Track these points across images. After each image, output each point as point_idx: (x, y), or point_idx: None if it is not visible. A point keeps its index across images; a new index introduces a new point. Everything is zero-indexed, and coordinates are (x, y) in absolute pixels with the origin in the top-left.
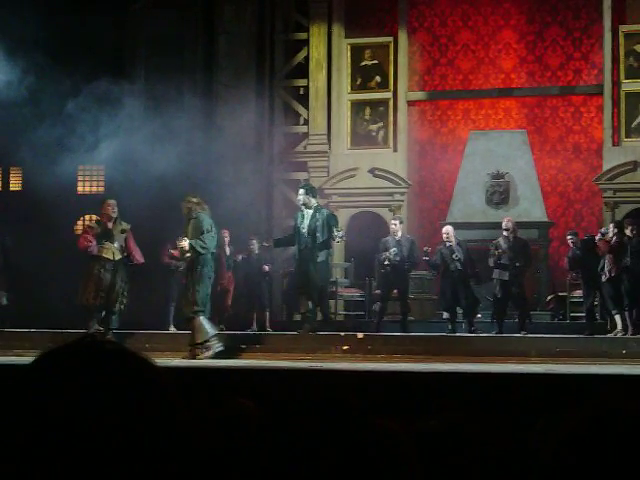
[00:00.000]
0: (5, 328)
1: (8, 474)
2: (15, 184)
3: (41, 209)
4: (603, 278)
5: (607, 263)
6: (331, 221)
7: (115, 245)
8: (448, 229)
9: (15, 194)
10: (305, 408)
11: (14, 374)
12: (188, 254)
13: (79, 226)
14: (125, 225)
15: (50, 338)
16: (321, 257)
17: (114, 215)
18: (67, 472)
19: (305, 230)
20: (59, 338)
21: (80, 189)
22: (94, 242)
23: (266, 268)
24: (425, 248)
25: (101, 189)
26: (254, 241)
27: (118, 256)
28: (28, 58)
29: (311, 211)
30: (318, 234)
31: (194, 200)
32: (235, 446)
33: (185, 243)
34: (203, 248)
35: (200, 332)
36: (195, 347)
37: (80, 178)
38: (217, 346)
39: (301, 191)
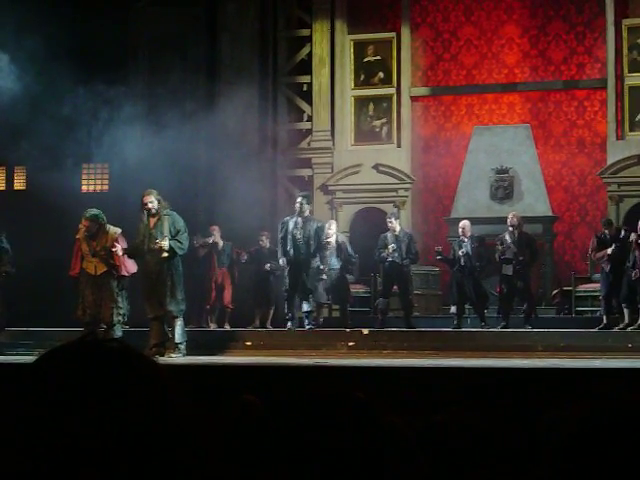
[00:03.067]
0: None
1: (10, 473)
2: (19, 183)
3: (45, 208)
4: (634, 275)
5: (638, 260)
6: (321, 232)
7: (97, 259)
8: (463, 224)
9: (19, 193)
10: (311, 404)
11: (18, 372)
12: (165, 253)
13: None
14: (112, 234)
15: (54, 336)
16: (313, 263)
17: (89, 233)
18: (69, 472)
19: (300, 237)
20: (63, 336)
21: (84, 188)
22: (78, 264)
23: (267, 267)
24: (436, 248)
25: (105, 187)
26: (264, 237)
27: (102, 269)
28: (30, 58)
29: (301, 219)
30: (312, 242)
31: (159, 196)
32: (241, 442)
33: (165, 243)
34: (181, 249)
35: (181, 333)
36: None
37: (84, 177)
38: (184, 352)
39: (302, 200)
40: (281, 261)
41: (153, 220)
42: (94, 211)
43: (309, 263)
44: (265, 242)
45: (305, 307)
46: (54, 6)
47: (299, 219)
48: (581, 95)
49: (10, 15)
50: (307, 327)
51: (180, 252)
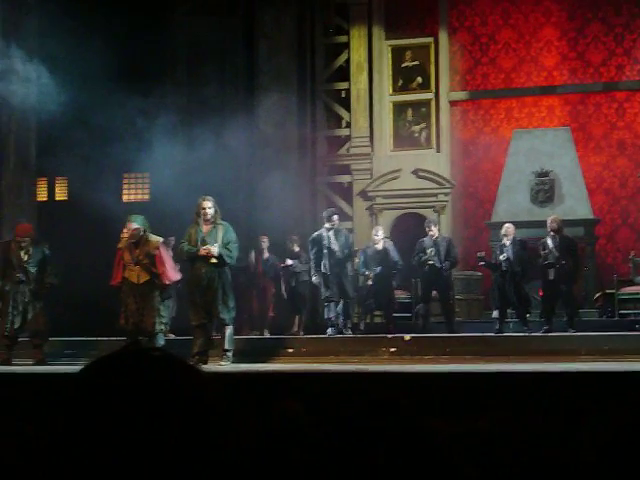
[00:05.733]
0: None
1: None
2: (60, 194)
3: (87, 218)
4: None
5: None
6: (350, 240)
7: (140, 267)
8: (506, 227)
9: (60, 204)
10: (353, 410)
11: (64, 382)
12: (214, 260)
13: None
14: (153, 242)
15: (97, 346)
16: (349, 270)
17: (133, 240)
18: (117, 478)
19: (338, 249)
20: (106, 346)
21: (125, 197)
22: (120, 273)
23: (289, 262)
24: (479, 253)
25: (146, 197)
26: (294, 243)
27: (144, 278)
28: (70, 70)
29: (335, 232)
30: (346, 250)
31: (215, 204)
32: (285, 449)
33: (216, 250)
34: (230, 258)
35: (230, 340)
36: (225, 352)
37: (125, 186)
38: (232, 359)
39: (337, 217)
40: (315, 278)
41: (207, 227)
42: (139, 217)
43: (346, 271)
44: (295, 247)
45: (332, 313)
46: (93, 18)
47: (332, 232)
48: (621, 97)
49: (50, 28)
50: (332, 333)
51: (229, 261)
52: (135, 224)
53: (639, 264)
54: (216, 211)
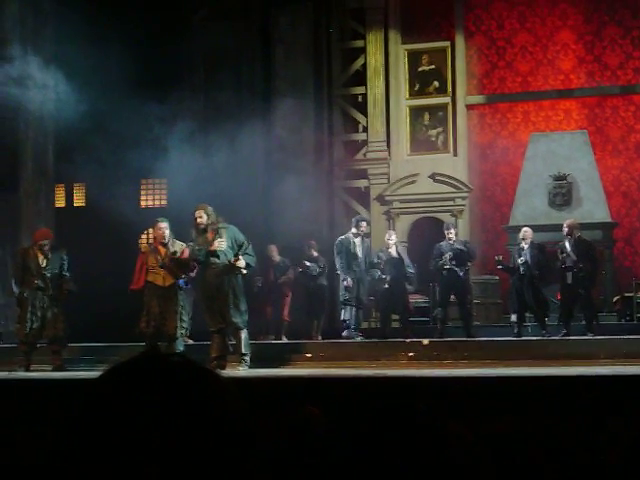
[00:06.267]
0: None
1: None
2: (78, 200)
3: (105, 224)
4: None
5: None
6: (370, 250)
7: (165, 270)
8: (524, 231)
9: (78, 210)
10: (371, 415)
11: (83, 388)
12: (244, 271)
13: (143, 240)
14: (178, 246)
15: (115, 352)
16: (370, 277)
17: (165, 240)
18: None
19: (362, 255)
20: (124, 352)
21: (143, 203)
22: (143, 277)
23: (307, 263)
24: (497, 257)
25: (164, 202)
26: (312, 248)
27: (169, 281)
28: (88, 76)
29: (361, 239)
30: (368, 259)
31: (210, 211)
32: (303, 453)
33: (242, 262)
34: (253, 261)
35: (246, 344)
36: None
37: (143, 192)
38: (249, 363)
39: (365, 224)
40: (348, 280)
41: (211, 235)
42: (166, 220)
43: (366, 277)
44: (312, 252)
45: (347, 315)
46: (109, 25)
47: (358, 239)
48: (638, 100)
49: (67, 35)
50: (348, 335)
51: (253, 264)
52: (166, 224)
53: None
54: (209, 217)
